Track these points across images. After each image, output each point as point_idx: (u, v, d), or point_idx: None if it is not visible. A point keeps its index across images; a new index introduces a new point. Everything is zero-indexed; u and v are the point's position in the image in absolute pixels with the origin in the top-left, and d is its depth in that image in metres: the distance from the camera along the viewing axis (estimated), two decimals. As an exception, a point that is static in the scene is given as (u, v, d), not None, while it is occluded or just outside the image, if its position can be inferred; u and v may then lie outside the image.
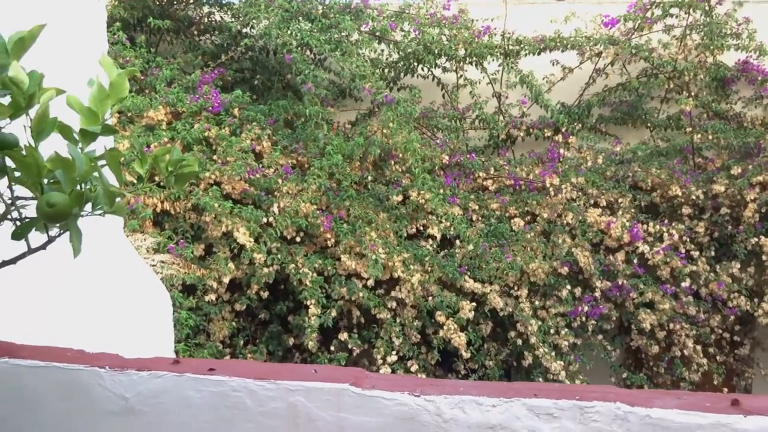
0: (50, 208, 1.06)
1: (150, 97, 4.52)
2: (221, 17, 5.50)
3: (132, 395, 1.38)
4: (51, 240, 1.19)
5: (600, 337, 5.04)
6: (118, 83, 1.32)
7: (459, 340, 4.38)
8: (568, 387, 1.26)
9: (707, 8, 5.21)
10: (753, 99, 5.56)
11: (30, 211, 1.16)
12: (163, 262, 3.37)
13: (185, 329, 3.51)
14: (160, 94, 4.53)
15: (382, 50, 5.42)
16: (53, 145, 1.18)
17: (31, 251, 1.20)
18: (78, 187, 1.17)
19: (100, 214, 1.16)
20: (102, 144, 1.32)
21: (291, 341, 4.69)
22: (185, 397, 1.35)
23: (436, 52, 5.21)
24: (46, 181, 1.16)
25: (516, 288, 4.79)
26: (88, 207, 1.15)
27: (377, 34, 5.26)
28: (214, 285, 4.04)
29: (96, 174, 1.17)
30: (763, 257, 4.86)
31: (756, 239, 4.88)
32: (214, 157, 4.37)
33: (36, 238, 1.21)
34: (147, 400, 1.37)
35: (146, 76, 4.74)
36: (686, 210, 5.09)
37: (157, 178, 1.40)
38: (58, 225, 1.15)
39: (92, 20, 2.16)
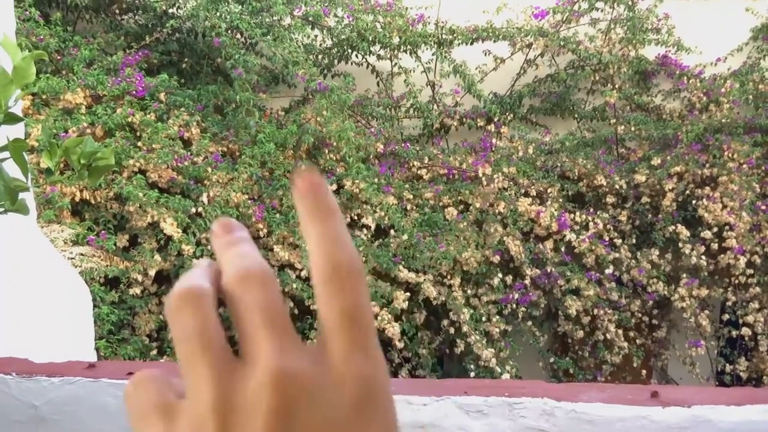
0: (-59, 206, 0.96)
1: (67, 78, 4.26)
2: (145, -4, 5.24)
3: (41, 403, 1.29)
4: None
5: (529, 323, 5.18)
6: (22, 67, 1.22)
7: (393, 330, 4.40)
8: (499, 383, 1.27)
9: (630, 3, 5.41)
10: (671, 92, 5.82)
11: None
12: (82, 254, 3.20)
13: (107, 325, 3.35)
14: (79, 75, 4.28)
15: (316, 36, 5.33)
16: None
17: None
18: (-24, 182, 1.07)
19: (1, 213, 1.07)
20: (6, 134, 1.21)
21: (222, 334, 4.58)
22: (101, 403, 1.27)
23: (370, 39, 5.16)
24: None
25: (449, 277, 4.85)
26: (-13, 204, 1.05)
27: (310, 19, 5.16)
28: (140, 278, 3.87)
29: (-4, 167, 1.08)
30: (680, 244, 5.12)
31: (673, 227, 5.14)
32: (139, 143, 4.18)
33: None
34: (59, 408, 1.28)
35: (63, 56, 4.46)
36: (610, 199, 5.29)
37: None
38: (-48, 223, 1.05)
39: (-3, -4, 1.99)
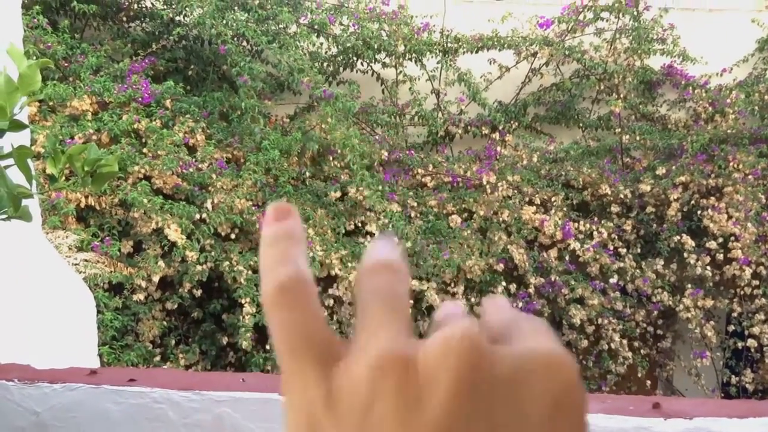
0: (-55, 213, 0.97)
1: (74, 85, 4.29)
2: (152, 3, 5.28)
3: (44, 409, 1.29)
4: (-51, 245, 1.10)
5: (533, 332, 5.15)
6: (28, 75, 1.23)
7: (396, 337, 4.38)
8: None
9: (635, 13, 5.41)
10: (677, 102, 5.82)
11: (-76, 213, 1.06)
12: (86, 260, 3.21)
13: (110, 331, 3.35)
14: (85, 82, 4.31)
15: (321, 44, 5.35)
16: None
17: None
18: (-20, 188, 1.08)
19: (4, 219, 1.07)
20: (12, 141, 1.22)
21: (225, 340, 4.58)
22: (103, 410, 1.27)
23: (376, 47, 5.18)
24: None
25: (453, 285, 4.84)
26: (-9, 210, 1.06)
27: (316, 27, 5.18)
28: (143, 284, 3.88)
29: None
30: (685, 254, 5.10)
31: (678, 237, 5.11)
32: (144, 150, 4.20)
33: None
34: (60, 415, 1.29)
35: (70, 63, 4.49)
36: (615, 208, 5.28)
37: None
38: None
39: (3, 4, 2.01)
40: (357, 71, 5.47)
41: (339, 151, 4.70)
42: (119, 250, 3.83)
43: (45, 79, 4.08)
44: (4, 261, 1.75)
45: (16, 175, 1.17)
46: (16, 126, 1.20)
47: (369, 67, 5.47)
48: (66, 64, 4.48)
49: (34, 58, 4.01)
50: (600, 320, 5.09)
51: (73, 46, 4.61)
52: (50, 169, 1.27)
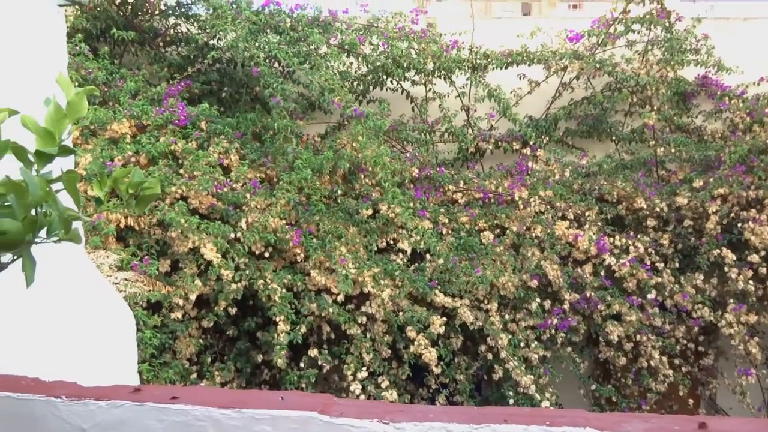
0: (1, 236, 1.01)
1: (114, 109, 4.43)
2: (187, 29, 5.43)
3: (89, 426, 1.32)
4: (2, 267, 1.14)
5: (569, 349, 5.08)
6: (75, 102, 1.28)
7: (429, 355, 4.36)
8: (539, 411, 1.25)
9: (667, 25, 5.35)
10: (713, 113, 5.71)
11: (-19, 237, 1.11)
12: (126, 279, 3.28)
13: (149, 349, 3.42)
14: (125, 106, 4.44)
15: (351, 63, 5.42)
16: (9, 167, 1.13)
17: (-20, 279, 1.15)
18: (33, 212, 1.12)
19: (55, 241, 1.11)
20: (60, 165, 1.27)
21: (260, 358, 4.62)
22: (146, 427, 1.30)
23: (405, 65, 5.22)
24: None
25: (486, 302, 4.80)
26: (43, 233, 1.10)
27: (346, 47, 5.26)
28: (181, 302, 3.95)
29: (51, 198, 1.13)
30: (725, 268, 4.97)
31: (718, 251, 4.99)
32: (181, 171, 4.29)
33: (-13, 264, 1.16)
34: (106, 431, 1.32)
35: (110, 88, 4.65)
36: (651, 222, 5.18)
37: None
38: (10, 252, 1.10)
39: (51, 34, 2.09)
40: (387, 89, 5.52)
41: (370, 168, 4.73)
42: (157, 269, 3.91)
43: (87, 103, 4.22)
44: (51, 281, 1.80)
45: (64, 199, 1.21)
46: (65, 151, 1.25)
47: (399, 85, 5.52)
48: (106, 89, 4.63)
49: (77, 84, 4.16)
50: (638, 337, 4.98)
51: (112, 71, 4.76)
52: (96, 191, 1.31)
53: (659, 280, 4.99)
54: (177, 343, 4.09)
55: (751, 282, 4.94)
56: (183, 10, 5.35)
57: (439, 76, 5.45)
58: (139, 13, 5.37)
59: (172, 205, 4.08)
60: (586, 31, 5.49)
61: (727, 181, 5.08)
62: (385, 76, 5.40)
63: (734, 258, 4.94)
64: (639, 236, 5.11)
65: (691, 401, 5.37)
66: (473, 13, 5.84)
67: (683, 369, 5.28)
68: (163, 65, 5.17)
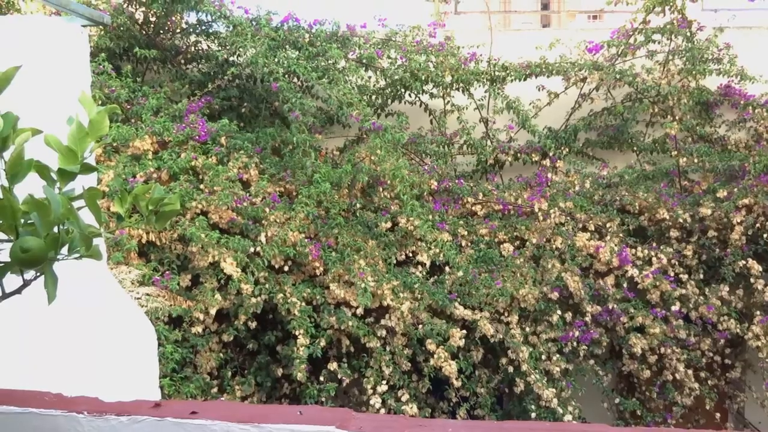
0: (24, 254, 1.03)
1: (136, 126, 4.50)
2: (208, 46, 5.52)
3: (111, 441, 1.33)
4: (26, 284, 1.16)
5: (591, 362, 5.01)
6: (97, 121, 1.30)
7: (449, 368, 4.33)
8: (561, 426, 1.24)
9: (689, 34, 5.30)
10: (736, 122, 5.63)
11: (5, 254, 1.13)
12: (148, 294, 3.32)
13: (171, 363, 3.44)
14: (147, 123, 4.51)
15: (369, 77, 5.46)
16: (33, 185, 1.15)
17: (5, 296, 1.17)
18: (55, 229, 1.15)
19: (76, 258, 1.13)
20: (81, 183, 1.29)
21: (280, 372, 4.62)
22: (166, 442, 1.31)
23: (423, 78, 5.24)
24: (23, 221, 1.13)
25: (506, 314, 4.76)
26: (65, 250, 1.12)
27: (364, 61, 5.30)
28: (201, 316, 3.97)
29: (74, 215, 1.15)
30: (751, 279, 4.87)
31: (743, 262, 4.90)
32: (201, 186, 4.34)
33: (12, 279, 1.18)
34: (127, 446, 1.33)
35: (132, 105, 4.73)
36: (674, 233, 5.11)
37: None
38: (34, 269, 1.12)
39: (75, 54, 2.14)
40: (405, 102, 5.54)
41: (389, 182, 4.74)
42: (178, 283, 3.94)
43: (110, 121, 4.29)
44: (75, 297, 1.83)
45: (86, 216, 1.23)
46: (87, 169, 1.27)
47: (417, 99, 5.54)
48: (128, 107, 4.71)
49: (100, 102, 4.24)
50: (663, 349, 4.90)
51: (135, 89, 4.85)
52: (117, 208, 1.33)
53: (683, 291, 4.91)
54: (198, 357, 4.12)
55: (778, 293, 4.84)
56: (204, 27, 5.43)
57: (458, 89, 5.46)
58: (161, 32, 5.47)
59: (192, 220, 4.12)
60: (605, 42, 5.46)
61: (751, 191, 5.00)
62: (403, 90, 5.42)
63: (760, 269, 4.85)
64: (662, 247, 5.04)
65: (718, 415, 5.25)
66: (491, 25, 5.85)
67: (709, 382, 5.17)
68: (184, 82, 5.25)
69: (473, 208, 5.26)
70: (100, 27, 4.85)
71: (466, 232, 5.02)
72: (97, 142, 1.32)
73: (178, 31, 5.56)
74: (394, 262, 4.72)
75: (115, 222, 3.45)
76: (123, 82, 4.77)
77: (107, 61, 4.74)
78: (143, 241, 3.96)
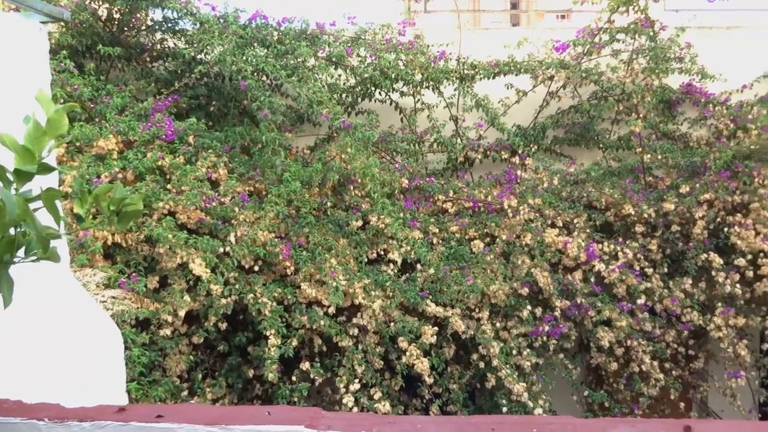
0: (-22, 257, 1.00)
1: (100, 125, 4.41)
2: (174, 44, 5.43)
3: (73, 447, 1.30)
4: (-19, 288, 1.13)
5: (561, 356, 5.08)
6: (56, 120, 1.27)
7: (422, 365, 4.35)
8: (527, 419, 1.25)
9: (651, 34, 5.41)
10: (698, 120, 5.77)
11: (-41, 257, 1.09)
12: (114, 297, 3.25)
13: (138, 367, 3.38)
14: (111, 122, 4.42)
15: (339, 75, 5.43)
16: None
17: (-41, 300, 1.13)
18: (11, 231, 1.11)
19: (33, 261, 1.10)
20: (40, 184, 1.26)
21: (251, 373, 4.58)
22: (131, 447, 1.28)
23: (393, 76, 5.24)
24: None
25: (477, 310, 4.80)
26: (21, 252, 1.09)
27: (333, 59, 5.27)
28: (170, 318, 3.92)
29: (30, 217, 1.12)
30: (713, 272, 5.00)
31: (705, 255, 5.03)
32: (168, 186, 4.27)
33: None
34: (90, 452, 1.30)
35: (96, 104, 4.62)
36: (639, 228, 5.21)
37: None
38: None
39: (33, 51, 2.09)
40: (375, 101, 5.53)
41: (359, 180, 4.73)
42: (145, 285, 3.88)
43: (72, 120, 4.20)
44: (33, 301, 1.79)
45: (45, 217, 1.20)
46: (45, 169, 1.24)
47: (387, 97, 5.54)
48: (92, 105, 4.60)
49: (62, 101, 4.14)
50: (629, 342, 5.00)
51: (98, 87, 4.74)
52: (77, 209, 1.30)
53: (648, 285, 5.01)
54: (167, 360, 4.06)
55: (738, 285, 4.98)
56: (170, 25, 5.34)
57: (428, 87, 5.48)
58: (126, 29, 5.36)
59: (159, 221, 4.05)
60: (571, 41, 5.54)
61: (712, 186, 5.13)
62: (373, 88, 5.42)
63: (721, 262, 4.98)
64: (628, 242, 5.13)
65: (682, 405, 5.38)
66: (461, 24, 5.88)
67: (674, 373, 5.29)
68: (150, 80, 5.16)
69: (444, 205, 5.29)
70: (62, 24, 4.74)
71: (437, 230, 5.04)
72: (57, 141, 1.29)
73: (144, 28, 5.46)
74: (366, 260, 4.72)
75: (77, 223, 3.38)
76: (86, 80, 4.66)
77: (69, 58, 4.62)
78: (109, 242, 3.89)
